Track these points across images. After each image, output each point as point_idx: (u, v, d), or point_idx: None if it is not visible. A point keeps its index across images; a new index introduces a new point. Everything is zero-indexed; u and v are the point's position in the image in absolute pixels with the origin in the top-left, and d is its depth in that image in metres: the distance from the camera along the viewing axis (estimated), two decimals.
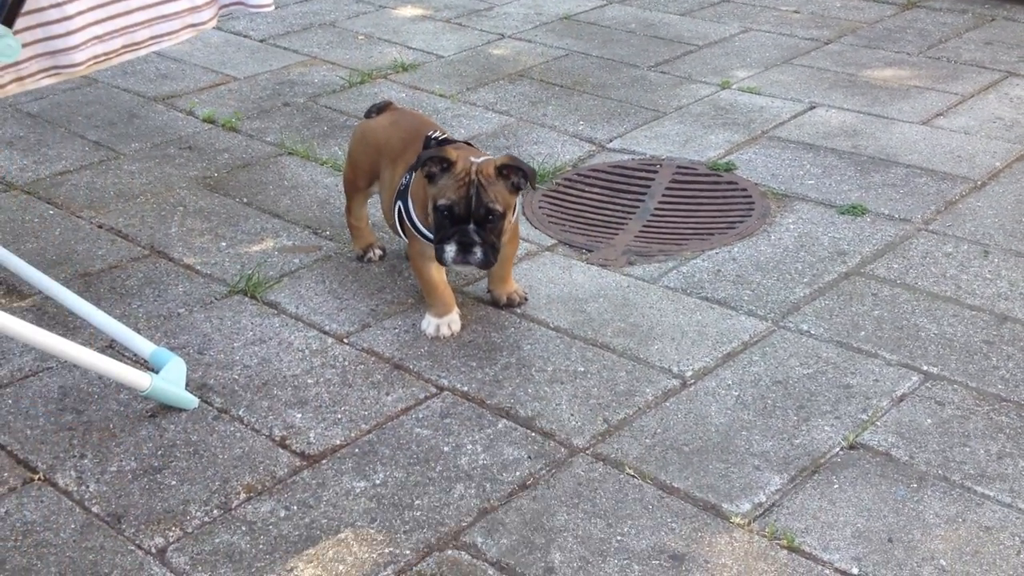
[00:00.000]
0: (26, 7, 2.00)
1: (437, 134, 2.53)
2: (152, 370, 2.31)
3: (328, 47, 4.48)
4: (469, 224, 2.34)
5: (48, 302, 2.65)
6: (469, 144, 2.55)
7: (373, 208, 2.97)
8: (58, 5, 2.04)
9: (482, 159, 2.38)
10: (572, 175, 3.32)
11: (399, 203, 2.53)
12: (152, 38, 2.23)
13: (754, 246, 2.91)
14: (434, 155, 2.36)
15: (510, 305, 2.63)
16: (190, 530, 1.97)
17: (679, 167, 3.35)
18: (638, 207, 3.16)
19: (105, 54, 2.15)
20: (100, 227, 3.06)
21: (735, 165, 3.34)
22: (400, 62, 4.25)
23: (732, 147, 3.49)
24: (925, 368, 2.40)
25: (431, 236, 2.43)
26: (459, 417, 2.26)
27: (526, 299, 2.65)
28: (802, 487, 2.06)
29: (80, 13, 2.08)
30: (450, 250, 2.36)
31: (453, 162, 2.35)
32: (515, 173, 2.36)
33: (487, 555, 1.91)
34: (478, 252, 2.35)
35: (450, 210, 2.35)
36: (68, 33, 2.06)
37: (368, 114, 2.81)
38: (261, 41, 4.55)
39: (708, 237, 2.98)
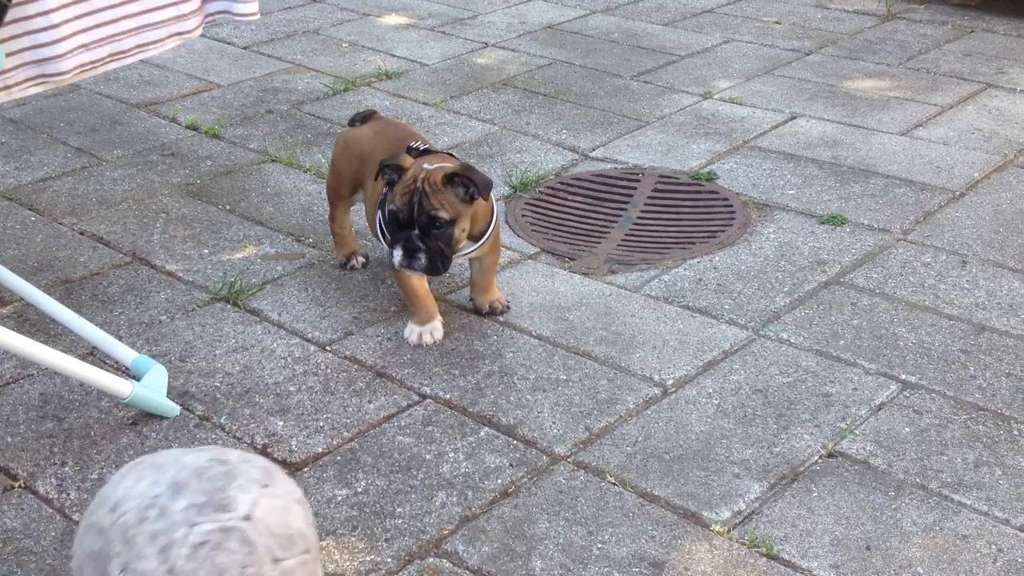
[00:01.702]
0: (12, 16, 2.01)
1: (419, 144, 2.54)
2: (133, 377, 2.31)
3: (312, 54, 4.48)
4: (413, 230, 2.35)
5: (29, 309, 2.64)
6: (451, 155, 2.56)
7: (357, 216, 2.97)
8: (44, 13, 2.04)
9: (435, 166, 2.38)
10: (555, 183, 3.33)
11: (379, 213, 2.54)
12: (138, 46, 2.23)
13: (735, 255, 2.93)
14: (390, 163, 2.39)
15: (492, 313, 2.64)
16: None
17: (661, 176, 3.37)
18: (620, 216, 3.17)
19: (91, 62, 2.15)
20: (82, 234, 3.05)
21: (717, 174, 3.37)
22: (384, 70, 4.26)
23: (714, 156, 3.51)
24: (903, 377, 2.42)
25: None
26: (441, 425, 2.27)
27: (508, 307, 2.66)
28: (781, 495, 2.07)
29: (67, 22, 2.08)
30: (397, 255, 2.38)
31: (406, 169, 2.37)
32: (465, 182, 2.36)
33: (468, 563, 1.92)
34: (422, 258, 2.36)
35: (395, 216, 2.37)
36: (54, 41, 2.06)
37: (352, 123, 2.82)
38: (245, 48, 4.56)
39: (690, 246, 2.99)
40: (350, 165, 2.72)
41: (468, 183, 2.35)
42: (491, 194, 2.45)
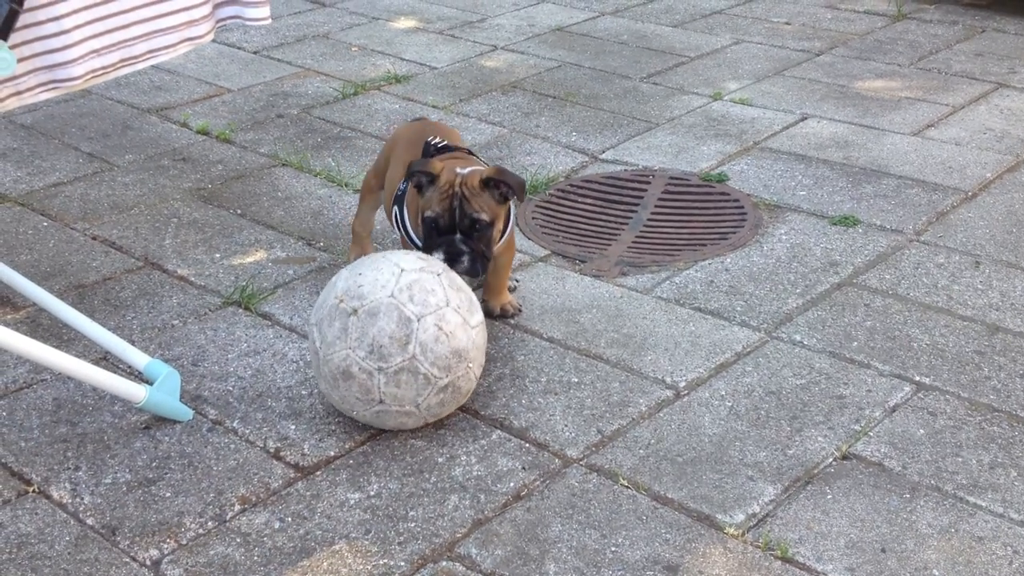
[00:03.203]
0: (23, 22, 2.01)
1: (437, 140, 2.55)
2: (146, 382, 2.31)
3: (322, 59, 4.49)
4: (455, 235, 2.37)
5: (42, 314, 2.65)
6: (470, 152, 2.57)
7: (381, 223, 2.97)
8: (55, 19, 2.05)
9: (469, 170, 2.40)
10: (565, 186, 3.33)
11: (396, 208, 2.55)
12: (149, 52, 2.23)
13: (747, 257, 2.92)
14: (419, 168, 2.40)
15: (504, 316, 2.64)
16: (184, 542, 1.97)
17: (672, 178, 3.36)
18: (631, 218, 3.17)
19: (103, 68, 2.15)
20: (94, 239, 3.06)
21: (727, 176, 3.36)
22: (393, 73, 4.26)
23: (724, 158, 3.50)
24: (917, 378, 2.41)
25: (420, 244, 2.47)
26: (453, 428, 2.27)
27: (520, 310, 2.66)
28: (795, 497, 2.07)
29: (77, 27, 2.08)
30: (438, 259, 2.38)
31: (436, 175, 2.38)
32: (501, 185, 2.39)
33: (481, 566, 1.91)
34: (466, 261, 2.39)
35: (435, 222, 2.38)
36: (65, 47, 2.07)
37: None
38: (255, 53, 4.56)
39: (701, 248, 2.99)
40: (384, 154, 2.76)
41: (504, 186, 2.38)
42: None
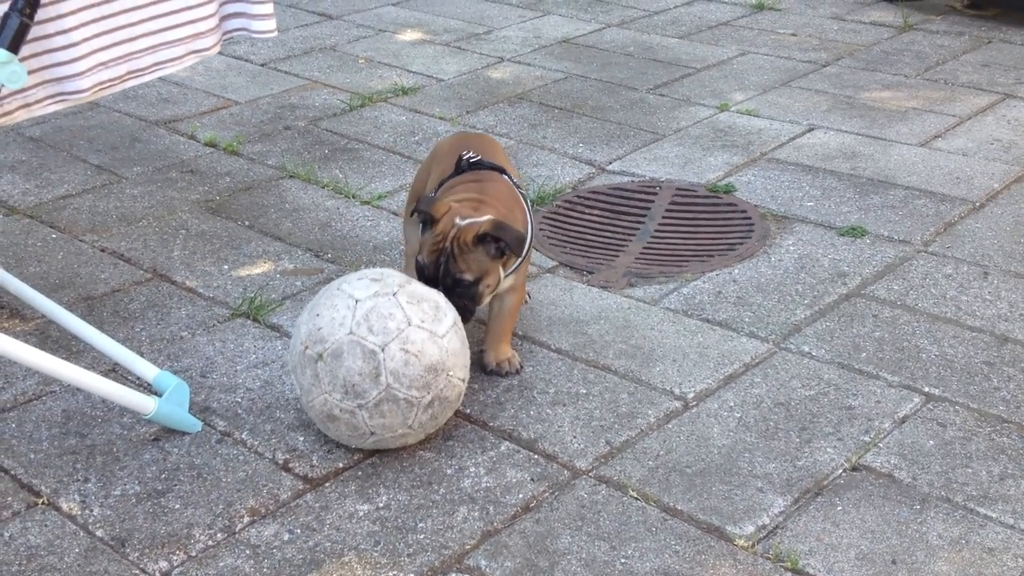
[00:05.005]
0: (33, 34, 2.02)
1: (470, 154, 2.50)
2: (155, 394, 2.31)
3: (329, 71, 4.50)
4: (438, 287, 2.29)
5: (51, 326, 2.65)
6: (503, 172, 2.48)
7: (389, 233, 2.97)
8: (63, 32, 2.06)
9: (467, 222, 2.29)
10: (572, 197, 3.33)
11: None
12: (156, 64, 2.24)
13: (754, 268, 2.92)
14: (425, 208, 2.33)
15: (497, 374, 2.46)
16: (194, 554, 1.97)
17: (678, 189, 3.36)
18: (638, 229, 3.17)
19: (110, 80, 2.16)
20: (103, 251, 3.06)
21: (734, 187, 3.36)
22: (400, 85, 4.27)
23: (731, 169, 3.50)
24: (927, 389, 2.40)
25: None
26: (462, 440, 2.27)
27: (519, 371, 2.48)
28: (805, 509, 2.06)
29: (85, 40, 2.10)
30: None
31: (436, 220, 2.31)
32: (496, 242, 2.28)
33: None
34: None
35: (422, 270, 2.33)
36: (73, 60, 2.08)
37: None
38: (262, 65, 4.58)
39: (708, 259, 2.99)
40: (423, 172, 2.70)
41: (499, 242, 2.28)
42: (527, 224, 2.42)
